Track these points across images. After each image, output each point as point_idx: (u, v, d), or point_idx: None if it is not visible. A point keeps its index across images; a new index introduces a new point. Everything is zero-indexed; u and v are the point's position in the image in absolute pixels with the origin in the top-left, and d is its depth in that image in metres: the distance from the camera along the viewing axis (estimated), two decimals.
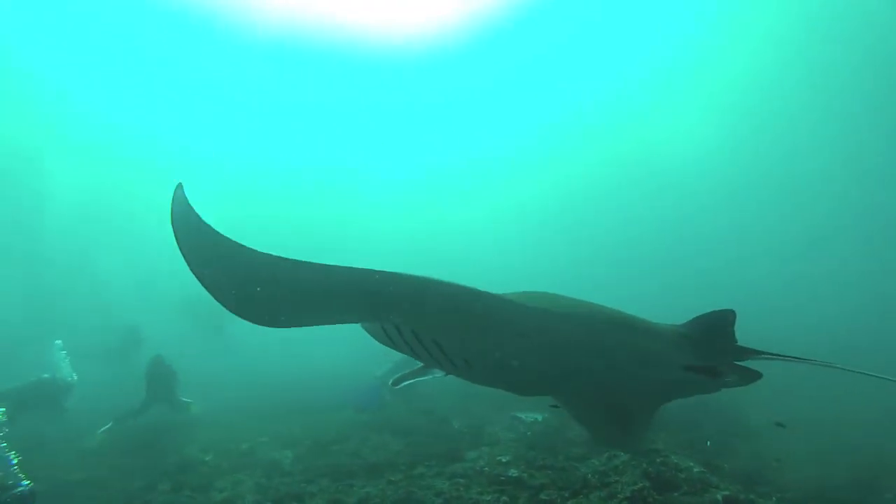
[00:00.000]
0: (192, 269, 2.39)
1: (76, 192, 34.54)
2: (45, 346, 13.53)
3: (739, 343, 2.87)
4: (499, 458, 6.53)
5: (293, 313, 2.60)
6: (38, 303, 31.43)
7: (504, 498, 5.44)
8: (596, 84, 33.82)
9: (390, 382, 3.65)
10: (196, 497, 6.94)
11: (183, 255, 2.35)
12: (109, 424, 10.91)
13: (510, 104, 36.06)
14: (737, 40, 28.57)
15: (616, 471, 5.50)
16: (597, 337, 2.77)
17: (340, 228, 45.87)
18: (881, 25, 23.91)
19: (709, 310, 2.92)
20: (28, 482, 5.99)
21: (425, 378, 3.35)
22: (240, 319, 2.51)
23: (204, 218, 2.28)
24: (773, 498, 5.69)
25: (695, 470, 5.51)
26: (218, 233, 2.28)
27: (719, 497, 4.93)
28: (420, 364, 3.24)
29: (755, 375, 2.90)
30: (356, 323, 3.02)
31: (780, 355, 2.79)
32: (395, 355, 3.46)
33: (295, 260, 2.25)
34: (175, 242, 2.38)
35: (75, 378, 12.51)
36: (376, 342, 3.23)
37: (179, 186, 2.33)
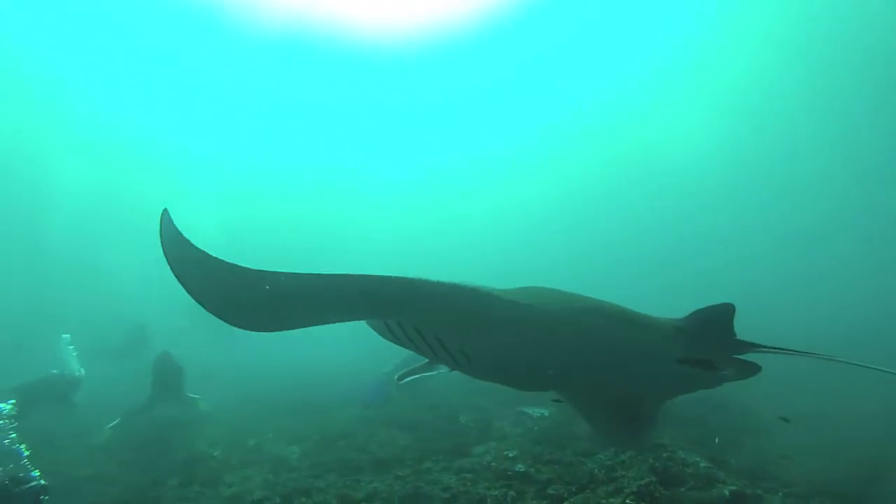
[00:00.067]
0: (191, 294, 2.39)
1: (82, 188, 34.69)
2: (52, 340, 13.62)
3: (739, 337, 2.89)
4: (506, 453, 6.54)
5: (295, 320, 2.65)
6: (45, 298, 31.59)
7: (511, 493, 5.45)
8: (596, 83, 33.66)
9: (396, 378, 3.68)
10: (205, 492, 6.99)
11: (179, 281, 2.37)
12: (117, 420, 10.99)
13: (510, 103, 35.91)
14: (737, 40, 28.45)
15: (623, 466, 5.53)
16: (590, 330, 2.78)
17: (342, 227, 45.97)
18: (881, 25, 23.79)
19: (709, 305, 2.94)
20: (41, 477, 6.05)
21: (430, 374, 3.38)
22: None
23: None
24: (780, 493, 5.71)
25: (701, 465, 5.53)
26: (210, 256, 2.29)
27: (726, 492, 4.95)
28: (425, 360, 3.28)
29: (754, 369, 2.91)
30: (359, 321, 3.05)
31: (779, 349, 2.80)
32: (402, 352, 3.49)
33: (291, 273, 2.29)
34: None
35: (83, 373, 12.59)
36: (382, 338, 3.26)
37: (165, 213, 2.36)
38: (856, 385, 10.90)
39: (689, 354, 2.82)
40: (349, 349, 16.87)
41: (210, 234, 39.50)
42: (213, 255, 2.40)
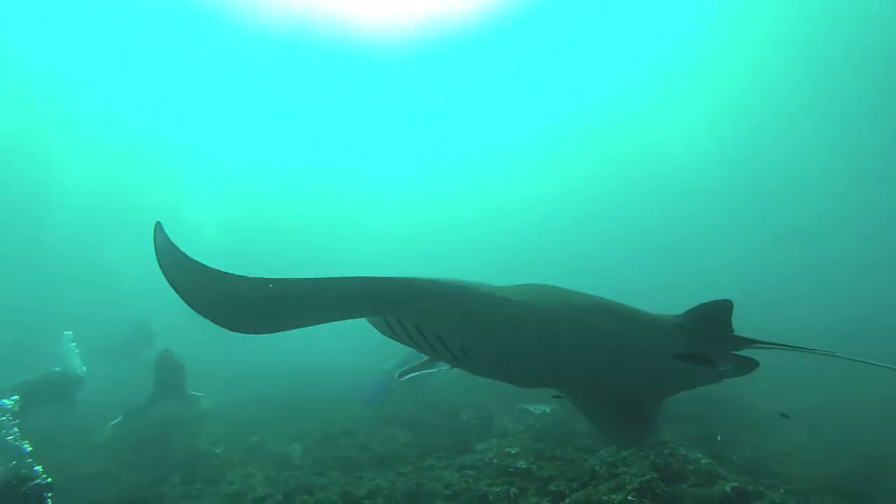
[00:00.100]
0: (187, 302, 2.46)
1: (84, 186, 34.75)
2: (55, 338, 13.64)
3: (738, 333, 2.90)
4: (507, 449, 6.56)
5: (291, 322, 2.69)
6: (48, 296, 31.69)
7: (513, 489, 5.46)
8: (595, 82, 33.68)
9: (396, 375, 3.70)
10: (207, 489, 7.01)
11: (174, 289, 2.43)
12: (119, 418, 11.01)
13: (511, 102, 35.94)
14: (735, 40, 28.46)
15: (624, 462, 5.54)
16: (588, 327, 2.79)
17: (343, 225, 46.02)
18: (880, 26, 23.77)
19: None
20: (45, 475, 6.07)
21: (431, 371, 3.40)
22: None
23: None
24: (781, 489, 5.72)
25: (702, 462, 5.54)
26: (207, 267, 2.32)
27: (727, 489, 4.95)
28: (425, 357, 3.29)
29: (752, 364, 2.92)
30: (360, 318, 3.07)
31: (777, 344, 2.81)
32: (402, 349, 3.52)
33: (282, 279, 2.34)
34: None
35: (84, 370, 12.61)
36: (383, 336, 3.28)
37: (158, 225, 2.39)
38: (854, 381, 10.96)
39: (687, 350, 2.83)
40: (350, 347, 16.90)
41: (211, 233, 39.63)
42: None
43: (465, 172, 43.37)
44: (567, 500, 4.98)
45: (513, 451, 6.43)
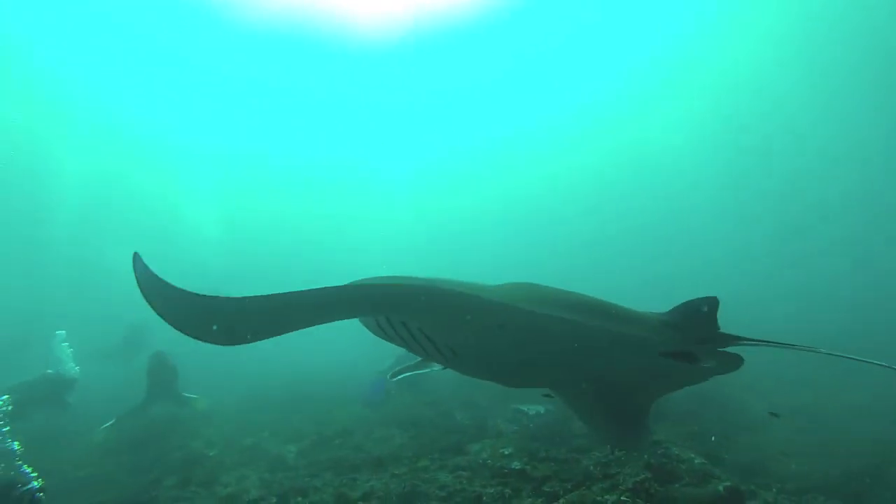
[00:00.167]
0: (174, 327, 2.48)
1: (83, 185, 34.72)
2: (49, 338, 13.56)
3: (724, 330, 2.91)
4: (502, 450, 6.55)
5: (279, 330, 2.70)
6: (46, 294, 31.62)
7: (507, 490, 5.46)
8: (587, 80, 33.84)
9: (389, 375, 3.73)
10: (201, 492, 6.99)
11: (162, 317, 2.46)
12: (112, 421, 10.95)
13: (504, 99, 36.09)
14: (730, 38, 28.57)
15: (618, 462, 5.54)
16: (571, 325, 2.80)
17: (340, 221, 46.08)
18: (877, 22, 23.89)
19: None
20: (39, 480, 6.03)
21: (424, 371, 3.41)
22: None
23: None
24: (774, 489, 5.75)
25: (696, 461, 5.55)
26: (187, 292, 2.36)
27: (721, 488, 4.96)
28: (419, 358, 3.31)
29: (737, 361, 2.94)
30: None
31: (761, 341, 2.82)
32: (397, 350, 3.56)
33: (261, 296, 2.37)
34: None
35: (77, 371, 12.54)
36: (376, 337, 3.29)
37: (136, 257, 2.42)
38: (844, 378, 11.03)
39: (673, 348, 2.84)
40: (344, 348, 16.90)
41: (211, 231, 39.59)
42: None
43: (458, 169, 43.50)
44: (561, 501, 4.98)
45: (507, 452, 6.42)
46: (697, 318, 2.91)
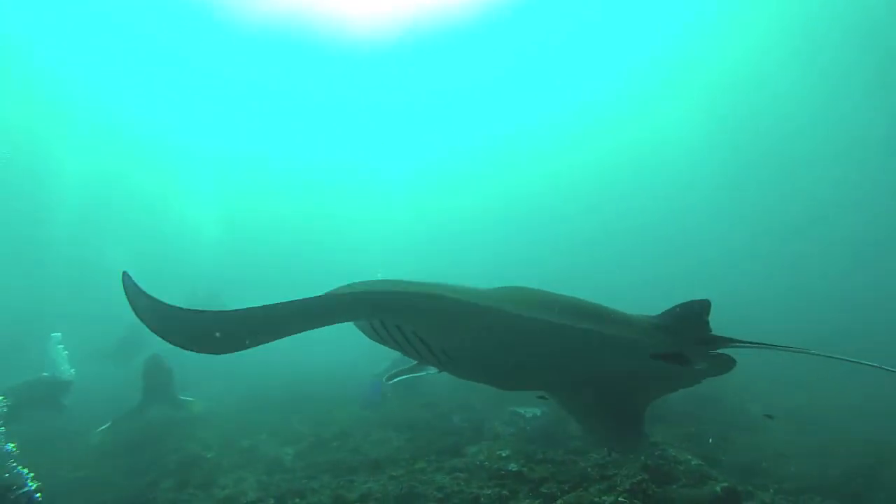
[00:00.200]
0: (166, 340, 2.56)
1: (83, 185, 34.76)
2: (44, 340, 13.53)
3: (722, 333, 2.92)
4: (499, 452, 6.55)
5: (272, 338, 2.73)
6: (46, 294, 31.59)
7: (504, 492, 5.46)
8: (583, 79, 33.93)
9: (385, 378, 3.74)
10: (198, 494, 6.98)
11: (153, 331, 2.54)
12: (108, 424, 10.92)
13: (500, 98, 36.17)
14: (729, 37, 28.63)
15: (615, 464, 5.55)
16: (562, 328, 2.79)
17: (339, 222, 46.15)
18: (874, 22, 23.94)
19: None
20: (34, 483, 6.02)
21: (419, 375, 3.43)
22: None
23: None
24: (771, 489, 5.77)
25: (693, 462, 5.55)
26: (177, 307, 2.43)
27: (718, 489, 4.96)
28: (414, 361, 3.32)
29: (729, 362, 2.94)
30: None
31: (753, 343, 2.82)
32: (393, 353, 3.59)
33: (246, 309, 2.41)
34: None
35: (73, 374, 12.51)
36: (374, 340, 3.30)
37: (126, 276, 2.44)
38: (839, 379, 11.06)
39: (664, 350, 2.84)
40: (342, 349, 16.88)
41: (210, 232, 39.61)
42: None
43: (456, 169, 43.68)
44: (558, 502, 4.99)
45: (504, 454, 6.42)
46: (689, 320, 2.91)
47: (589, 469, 5.56)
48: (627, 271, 40.52)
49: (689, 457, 5.68)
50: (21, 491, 5.66)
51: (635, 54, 31.03)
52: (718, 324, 2.93)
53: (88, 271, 35.65)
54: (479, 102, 36.40)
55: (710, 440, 7.10)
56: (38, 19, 25.67)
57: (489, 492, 5.50)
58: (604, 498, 4.79)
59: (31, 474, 6.20)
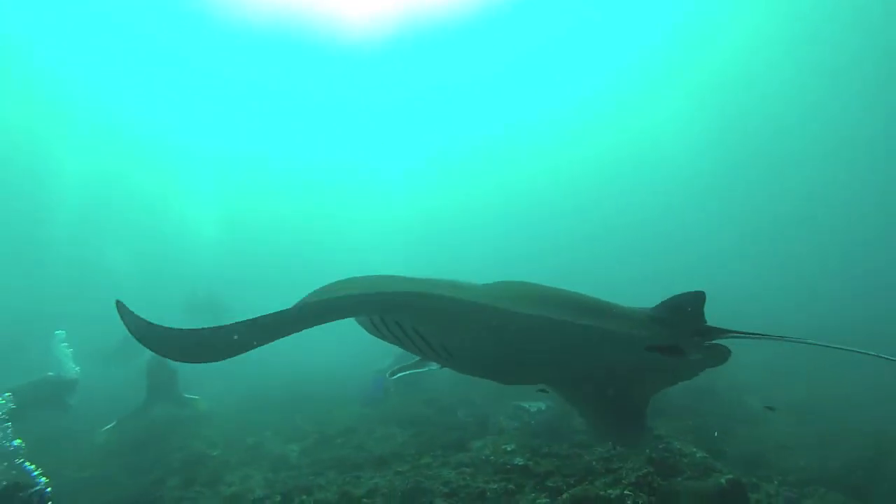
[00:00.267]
0: (167, 357, 2.67)
1: (82, 185, 34.78)
2: (48, 338, 13.53)
3: (716, 324, 2.94)
4: (504, 446, 6.58)
5: (267, 341, 2.76)
6: (47, 294, 31.62)
7: (510, 486, 5.50)
8: (580, 77, 33.95)
9: (388, 374, 3.76)
10: (205, 492, 7.01)
11: (156, 353, 2.61)
12: (113, 423, 10.95)
13: (496, 95, 36.17)
14: (724, 35, 28.64)
15: (620, 457, 5.58)
16: (558, 322, 2.81)
17: (338, 221, 46.10)
18: (866, 20, 23.95)
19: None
20: (44, 479, 6.05)
21: (422, 370, 3.45)
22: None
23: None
24: (775, 481, 5.81)
25: (697, 455, 5.59)
26: (175, 329, 2.48)
27: (723, 481, 4.99)
28: (417, 357, 3.34)
29: (724, 353, 2.96)
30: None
31: (748, 333, 2.84)
32: (398, 349, 3.61)
33: (243, 322, 2.45)
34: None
35: (78, 372, 12.51)
36: (374, 336, 3.33)
37: (120, 304, 2.51)
38: (838, 370, 11.11)
39: (660, 341, 2.87)
40: (344, 347, 16.90)
41: (210, 232, 39.61)
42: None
43: (454, 166, 43.63)
44: (564, 496, 5.02)
45: (509, 448, 6.45)
46: (684, 311, 2.94)
47: (594, 462, 5.60)
48: (623, 266, 40.50)
49: (694, 449, 5.72)
50: (33, 489, 5.69)
51: (629, 52, 31.03)
52: (715, 317, 2.96)
53: (88, 271, 35.73)
54: (475, 100, 36.41)
55: (716, 433, 7.13)
56: (38, 19, 25.65)
57: (495, 486, 5.53)
58: (609, 491, 4.83)
59: (41, 473, 6.24)
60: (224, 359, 2.65)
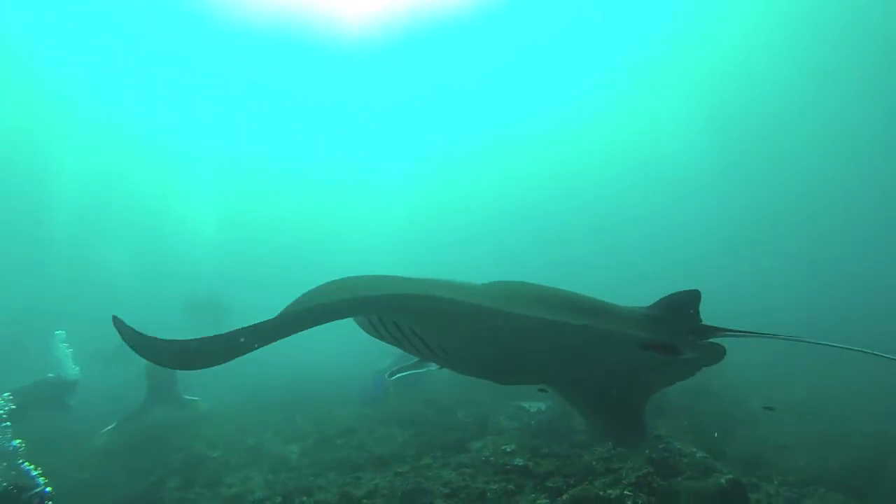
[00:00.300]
0: (165, 366, 2.61)
1: (82, 185, 34.76)
2: (48, 338, 13.51)
3: (713, 323, 2.94)
4: (504, 447, 6.57)
5: (269, 343, 2.77)
6: (45, 294, 31.64)
7: (510, 486, 5.50)
8: (577, 76, 33.94)
9: (387, 375, 3.77)
10: (205, 493, 7.01)
11: (160, 364, 2.61)
12: (113, 425, 10.94)
13: (493, 95, 36.18)
14: (719, 33, 28.66)
15: (620, 457, 5.58)
16: (553, 322, 2.81)
17: (337, 220, 46.13)
18: (865, 13, 23.95)
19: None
20: (44, 480, 6.06)
21: (421, 371, 3.46)
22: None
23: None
24: (775, 481, 5.81)
25: (697, 455, 5.59)
26: (171, 341, 2.48)
27: (723, 481, 4.99)
28: (416, 357, 3.34)
29: (719, 351, 2.96)
30: None
31: (743, 332, 2.85)
32: (397, 349, 3.61)
33: (244, 329, 2.44)
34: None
35: (78, 373, 12.50)
36: (373, 336, 3.33)
37: (116, 320, 2.56)
38: (836, 368, 11.13)
39: (655, 340, 2.87)
40: (344, 347, 16.90)
41: (209, 232, 39.62)
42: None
43: (452, 165, 43.68)
44: (565, 496, 5.02)
45: (509, 449, 6.44)
46: (679, 310, 2.95)
47: (594, 463, 5.60)
48: (620, 265, 40.52)
49: (694, 449, 5.72)
50: (34, 491, 5.69)
51: (624, 51, 31.06)
52: (712, 317, 2.96)
53: (88, 271, 35.73)
54: (474, 99, 36.43)
55: (716, 434, 7.12)
56: (38, 19, 25.64)
57: (495, 486, 5.53)
58: (609, 491, 4.83)
59: (40, 470, 6.24)
60: (226, 362, 2.65)
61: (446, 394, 10.83)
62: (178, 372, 12.00)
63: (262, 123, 37.38)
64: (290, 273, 35.78)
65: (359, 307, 2.82)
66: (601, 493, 4.86)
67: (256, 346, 2.57)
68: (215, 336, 2.45)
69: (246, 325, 2.46)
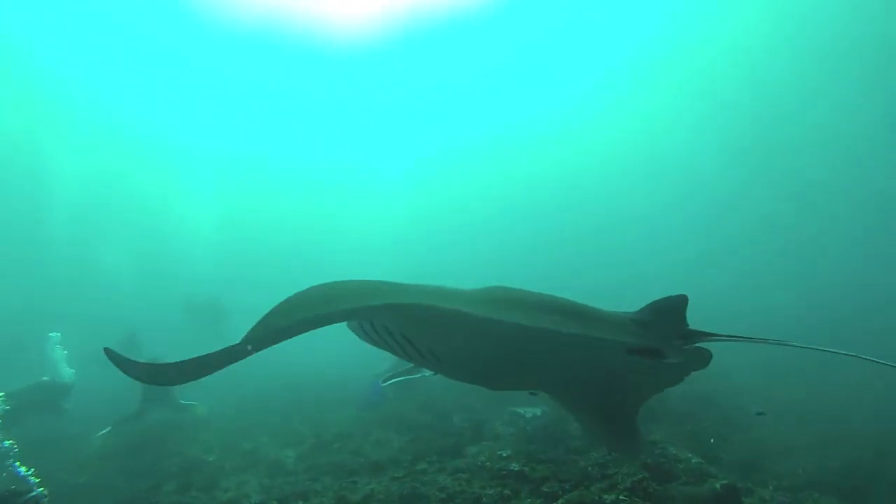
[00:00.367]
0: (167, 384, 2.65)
1: (80, 185, 34.79)
2: (43, 340, 13.49)
3: (702, 328, 2.94)
4: (500, 452, 6.56)
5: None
6: (44, 294, 31.66)
7: (506, 491, 5.49)
8: (575, 76, 33.96)
9: (381, 380, 3.79)
10: (202, 497, 7.01)
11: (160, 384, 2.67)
12: (108, 428, 10.91)
13: (491, 94, 36.21)
14: (716, 32, 28.68)
15: (616, 463, 5.58)
16: (540, 328, 2.78)
17: (335, 221, 46.16)
18: (865, 8, 23.94)
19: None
20: (37, 481, 6.05)
21: (415, 376, 3.48)
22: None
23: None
24: (770, 486, 5.81)
25: (693, 460, 5.59)
26: (161, 363, 2.53)
27: (718, 486, 5.01)
28: (411, 364, 3.35)
29: (706, 356, 2.96)
30: None
31: (730, 336, 2.87)
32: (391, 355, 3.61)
33: (225, 350, 2.41)
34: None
35: (72, 374, 12.48)
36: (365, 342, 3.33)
37: (108, 350, 2.59)
38: (831, 371, 11.13)
39: (640, 345, 2.87)
40: (344, 348, 16.89)
41: (208, 232, 39.65)
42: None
43: (450, 166, 43.64)
44: (560, 501, 5.02)
45: (505, 454, 6.43)
46: (667, 315, 2.95)
47: (590, 468, 5.59)
48: (621, 264, 40.48)
49: (689, 455, 5.72)
50: (30, 495, 5.68)
51: (622, 51, 31.09)
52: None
53: (88, 271, 35.74)
54: (473, 99, 36.42)
55: (712, 440, 7.12)
56: (38, 20, 25.65)
57: (491, 492, 5.52)
58: (605, 496, 4.83)
59: (32, 472, 6.22)
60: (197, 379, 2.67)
61: (442, 398, 10.81)
62: None
63: (261, 123, 37.39)
64: (289, 273, 35.79)
65: (348, 315, 2.82)
66: (597, 498, 4.86)
67: (252, 350, 2.58)
68: (216, 353, 2.46)
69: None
